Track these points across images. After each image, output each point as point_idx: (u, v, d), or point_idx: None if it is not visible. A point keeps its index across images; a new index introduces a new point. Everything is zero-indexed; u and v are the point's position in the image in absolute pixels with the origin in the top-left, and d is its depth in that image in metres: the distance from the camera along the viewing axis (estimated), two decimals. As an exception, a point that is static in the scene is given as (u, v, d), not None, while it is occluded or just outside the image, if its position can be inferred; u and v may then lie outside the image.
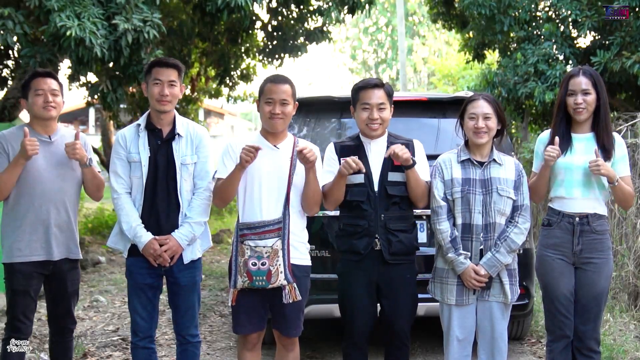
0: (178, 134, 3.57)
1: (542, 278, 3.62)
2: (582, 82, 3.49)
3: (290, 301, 3.36)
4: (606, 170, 3.39)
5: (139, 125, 3.61)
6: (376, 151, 3.56)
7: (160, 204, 3.52)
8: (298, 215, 3.47)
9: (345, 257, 3.60)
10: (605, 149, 3.47)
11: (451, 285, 3.46)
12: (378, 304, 3.60)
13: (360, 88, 3.56)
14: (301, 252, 3.49)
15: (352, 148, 3.57)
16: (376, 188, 3.51)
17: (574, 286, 3.54)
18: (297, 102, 3.53)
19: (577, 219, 3.49)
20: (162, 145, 3.56)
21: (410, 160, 3.40)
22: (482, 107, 3.45)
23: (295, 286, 3.36)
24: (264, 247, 3.34)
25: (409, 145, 3.56)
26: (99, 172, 3.86)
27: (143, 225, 3.50)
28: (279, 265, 3.33)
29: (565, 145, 3.53)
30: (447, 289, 3.48)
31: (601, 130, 3.50)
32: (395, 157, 3.38)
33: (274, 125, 3.42)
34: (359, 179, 3.50)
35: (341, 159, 3.45)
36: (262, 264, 3.32)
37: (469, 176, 3.44)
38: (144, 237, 3.47)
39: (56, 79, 3.71)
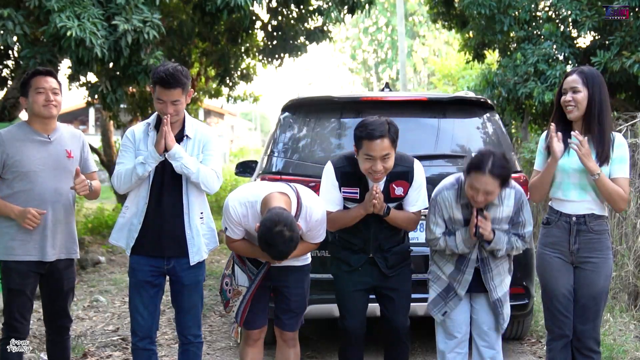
0: (187, 136, 3.56)
1: (541, 276, 3.63)
2: (573, 80, 3.46)
3: (232, 336, 3.59)
4: (584, 157, 3.32)
5: (148, 124, 3.59)
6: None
7: (166, 205, 3.52)
8: None
9: (338, 263, 3.63)
10: (601, 152, 3.40)
11: (433, 292, 3.56)
12: (372, 304, 3.62)
13: (364, 137, 3.32)
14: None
15: (352, 176, 3.49)
16: (373, 217, 3.49)
17: (573, 286, 3.53)
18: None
19: (574, 218, 3.48)
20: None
21: (382, 212, 3.42)
22: (487, 183, 3.26)
23: (239, 330, 3.56)
24: (237, 278, 3.52)
25: (408, 173, 3.49)
26: (96, 170, 3.86)
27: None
28: (235, 305, 3.50)
29: (563, 146, 3.49)
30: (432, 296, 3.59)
31: (594, 130, 3.42)
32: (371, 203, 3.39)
33: None
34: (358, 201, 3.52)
35: (345, 188, 3.51)
36: (229, 291, 3.54)
37: (468, 217, 3.44)
38: (149, 151, 3.46)
39: (56, 77, 3.71)
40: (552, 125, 3.44)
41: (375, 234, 3.51)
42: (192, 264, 3.54)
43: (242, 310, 3.45)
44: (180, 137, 3.55)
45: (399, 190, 3.50)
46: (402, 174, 3.49)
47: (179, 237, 3.52)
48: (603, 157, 3.41)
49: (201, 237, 3.57)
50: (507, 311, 3.55)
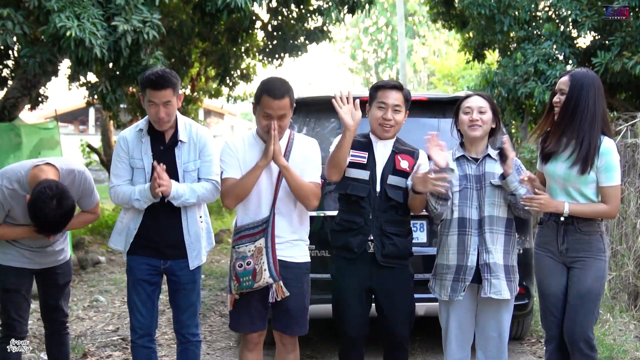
0: (180, 141, 3.54)
1: (536, 276, 3.63)
2: (562, 81, 3.43)
3: (279, 299, 3.33)
4: (543, 209, 3.33)
5: (141, 130, 3.56)
6: (382, 152, 3.55)
7: (163, 211, 3.51)
8: (296, 211, 3.42)
9: (338, 254, 3.58)
10: (584, 159, 3.31)
11: (447, 282, 3.49)
12: (373, 305, 3.58)
13: (379, 87, 3.56)
14: (300, 249, 3.45)
15: (361, 143, 3.56)
16: (378, 188, 3.50)
17: (566, 286, 3.48)
18: (294, 105, 3.39)
19: (562, 218, 3.43)
20: (164, 152, 3.53)
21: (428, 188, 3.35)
22: (477, 101, 3.48)
23: (282, 284, 3.32)
24: (246, 246, 3.31)
25: (414, 154, 3.57)
26: (96, 204, 3.77)
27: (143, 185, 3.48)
28: (263, 263, 3.28)
29: (555, 149, 3.44)
30: (444, 285, 3.50)
31: (573, 134, 3.33)
32: (422, 180, 3.31)
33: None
34: (364, 175, 3.50)
35: (353, 151, 3.50)
36: (248, 264, 3.30)
37: (465, 172, 3.47)
38: (146, 189, 3.43)
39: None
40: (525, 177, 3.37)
41: (377, 212, 3.47)
42: (191, 268, 3.56)
43: (273, 262, 3.30)
44: (174, 142, 3.54)
45: (404, 163, 3.52)
46: (407, 151, 3.57)
47: (177, 242, 3.54)
48: (583, 165, 3.30)
49: (201, 241, 3.59)
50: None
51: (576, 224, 3.41)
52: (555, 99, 3.46)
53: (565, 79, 3.43)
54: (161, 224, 3.52)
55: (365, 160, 3.51)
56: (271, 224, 3.33)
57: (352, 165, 3.50)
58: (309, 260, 3.52)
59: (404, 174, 3.52)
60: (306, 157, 3.42)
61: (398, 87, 3.54)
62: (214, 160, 3.59)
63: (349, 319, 3.53)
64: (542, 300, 3.58)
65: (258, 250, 3.30)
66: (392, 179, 3.50)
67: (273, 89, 3.25)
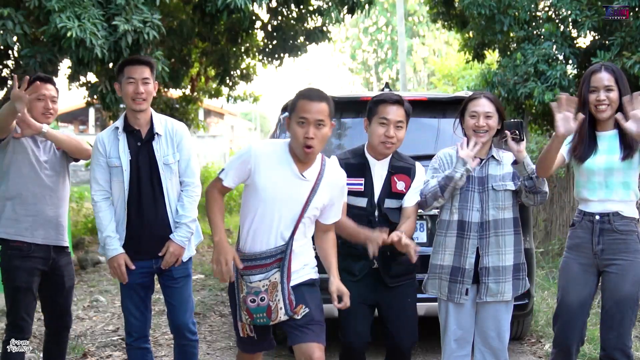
0: (157, 134, 3.54)
1: (559, 280, 3.51)
2: (605, 78, 3.29)
3: (299, 317, 3.08)
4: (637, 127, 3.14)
5: (117, 128, 3.55)
6: (379, 175, 3.44)
7: (147, 206, 3.51)
8: (304, 234, 3.15)
9: (341, 273, 3.40)
10: (629, 146, 3.26)
11: (443, 282, 3.47)
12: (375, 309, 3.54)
13: (381, 101, 3.38)
14: (307, 272, 3.18)
15: (356, 167, 3.43)
16: (376, 213, 3.41)
17: (593, 295, 3.36)
18: (332, 119, 3.12)
19: (597, 217, 3.31)
20: (142, 147, 3.53)
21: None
22: (484, 105, 3.41)
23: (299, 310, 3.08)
24: (260, 281, 3.03)
25: (410, 172, 3.46)
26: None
27: (115, 237, 3.48)
28: (279, 300, 3.02)
29: (590, 146, 3.36)
30: (441, 285, 3.49)
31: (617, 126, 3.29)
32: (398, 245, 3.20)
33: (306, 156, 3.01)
34: (361, 202, 3.40)
35: (349, 179, 3.31)
36: (262, 300, 3.03)
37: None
38: (111, 251, 3.47)
39: (54, 84, 3.75)
40: (563, 95, 3.17)
41: None
42: (184, 260, 3.58)
43: (289, 296, 3.02)
44: (150, 135, 3.54)
45: (400, 185, 3.41)
46: (404, 169, 3.45)
47: (165, 237, 3.54)
48: (631, 153, 3.28)
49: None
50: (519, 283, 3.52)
51: (613, 223, 3.28)
52: (602, 96, 3.30)
53: (606, 75, 3.31)
54: (147, 221, 3.51)
55: (362, 187, 3.39)
56: (288, 256, 3.04)
57: (349, 192, 3.35)
58: (318, 276, 3.26)
59: (400, 196, 3.43)
60: (331, 196, 3.11)
61: (400, 101, 3.37)
62: (193, 157, 3.60)
63: (351, 330, 3.48)
64: (558, 303, 3.47)
65: (273, 285, 3.03)
66: (388, 202, 3.41)
67: (310, 93, 3.06)
